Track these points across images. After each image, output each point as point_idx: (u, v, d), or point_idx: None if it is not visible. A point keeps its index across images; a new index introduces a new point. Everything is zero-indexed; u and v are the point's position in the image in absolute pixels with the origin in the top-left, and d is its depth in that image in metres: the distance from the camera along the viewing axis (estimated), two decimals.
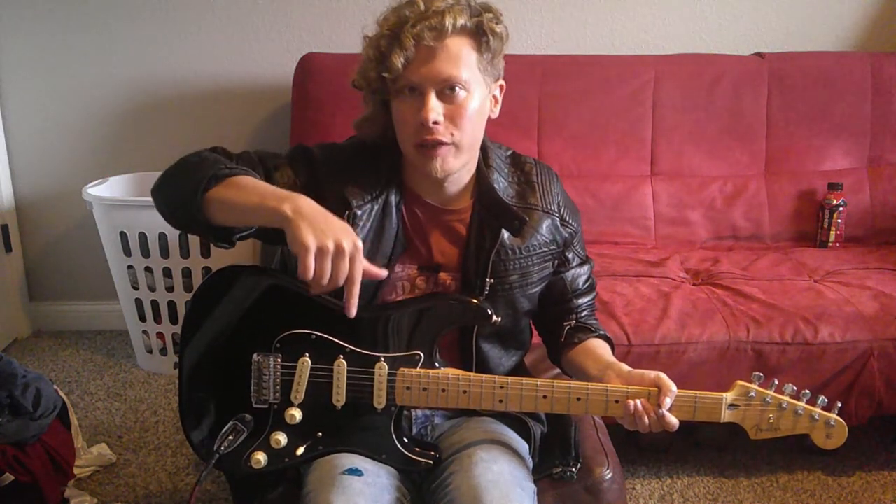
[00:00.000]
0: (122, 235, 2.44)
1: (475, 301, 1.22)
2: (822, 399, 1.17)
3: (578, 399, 1.16)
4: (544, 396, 1.17)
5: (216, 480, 1.99)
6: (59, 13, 2.68)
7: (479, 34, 1.16)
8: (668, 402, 1.13)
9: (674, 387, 1.14)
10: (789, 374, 1.89)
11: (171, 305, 2.53)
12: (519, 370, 1.37)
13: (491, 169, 1.27)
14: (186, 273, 2.49)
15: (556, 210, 1.30)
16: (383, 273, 1.13)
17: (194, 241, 2.43)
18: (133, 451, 2.17)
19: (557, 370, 1.42)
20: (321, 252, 1.00)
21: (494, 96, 1.24)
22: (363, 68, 1.19)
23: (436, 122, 1.14)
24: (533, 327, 1.40)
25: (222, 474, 1.76)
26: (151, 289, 2.52)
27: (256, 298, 1.19)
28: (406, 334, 1.19)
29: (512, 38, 1.23)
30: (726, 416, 1.16)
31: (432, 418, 1.32)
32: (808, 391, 1.16)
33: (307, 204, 1.04)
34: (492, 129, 1.27)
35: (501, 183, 1.28)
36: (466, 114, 1.16)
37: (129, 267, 2.51)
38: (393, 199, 1.24)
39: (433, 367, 1.18)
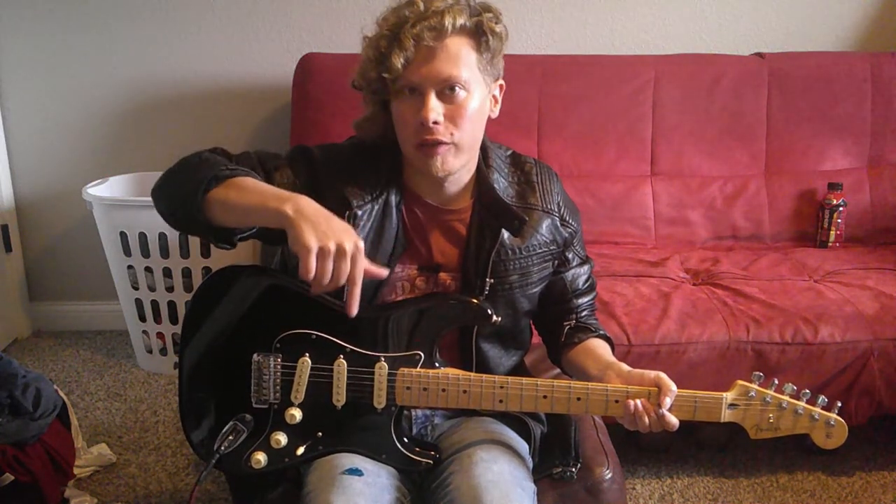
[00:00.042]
0: (122, 235, 2.44)
1: (475, 301, 1.22)
2: (822, 399, 1.17)
3: (578, 399, 1.16)
4: (544, 396, 1.17)
5: (216, 480, 1.99)
6: (59, 13, 2.68)
7: (479, 34, 1.16)
8: (668, 401, 1.13)
9: (674, 386, 1.14)
10: (789, 374, 1.89)
11: (171, 305, 2.53)
12: (519, 370, 1.37)
13: (491, 169, 1.27)
14: (186, 273, 2.49)
15: (556, 210, 1.30)
16: (384, 273, 1.13)
17: (194, 241, 2.44)
18: (133, 451, 2.17)
19: (557, 370, 1.42)
20: (323, 253, 1.00)
21: (494, 96, 1.24)
22: (363, 68, 1.19)
23: (436, 122, 1.15)
24: (533, 327, 1.40)
25: (222, 474, 1.75)
26: (151, 289, 2.52)
27: (256, 298, 1.19)
28: (406, 334, 1.19)
29: (512, 38, 1.24)
30: (726, 415, 1.16)
31: (432, 418, 1.32)
32: (808, 391, 1.17)
33: (308, 204, 1.04)
34: (492, 129, 1.27)
35: (501, 183, 1.28)
36: (466, 114, 1.16)
37: (129, 267, 2.51)
38: (393, 199, 1.24)
39: (433, 367, 1.18)
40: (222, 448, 1.16)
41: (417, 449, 1.21)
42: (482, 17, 1.16)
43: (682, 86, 2.54)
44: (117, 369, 2.66)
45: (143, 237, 2.43)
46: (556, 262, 1.32)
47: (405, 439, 1.21)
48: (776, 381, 1.17)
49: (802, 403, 1.16)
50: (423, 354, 1.18)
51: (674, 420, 1.13)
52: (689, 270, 2.28)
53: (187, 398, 1.21)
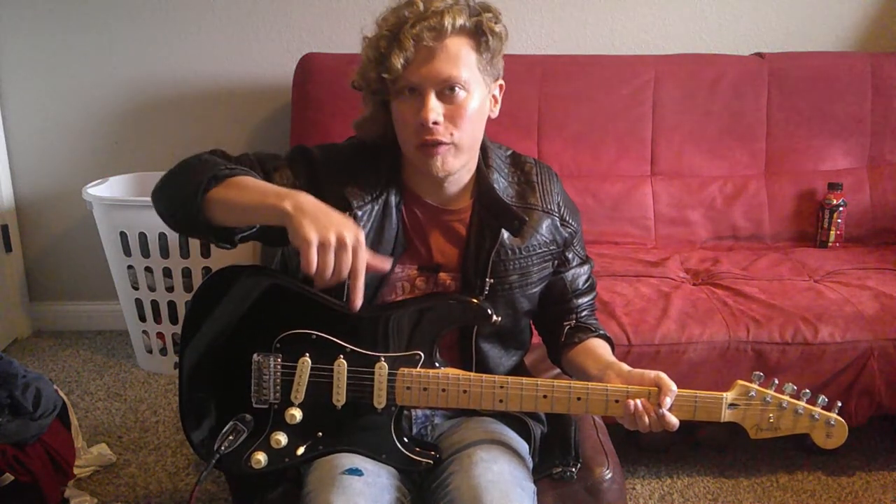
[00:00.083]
0: (122, 235, 2.44)
1: (475, 301, 1.22)
2: (822, 398, 1.17)
3: (578, 399, 1.16)
4: (544, 396, 1.17)
5: (216, 480, 1.99)
6: (59, 13, 2.68)
7: (479, 34, 1.16)
8: (668, 401, 1.13)
9: (674, 386, 1.14)
10: (789, 374, 1.89)
11: (171, 305, 2.53)
12: (519, 370, 1.37)
13: (491, 169, 1.27)
14: (186, 273, 2.49)
15: (556, 210, 1.30)
16: (387, 266, 1.13)
17: (194, 241, 2.43)
18: (133, 451, 2.17)
19: (557, 370, 1.42)
20: (323, 246, 1.00)
21: (494, 96, 1.24)
22: (363, 69, 1.19)
23: (436, 123, 1.15)
24: (533, 327, 1.40)
25: (222, 474, 1.76)
26: (151, 289, 2.52)
27: (256, 298, 1.19)
28: (406, 334, 1.19)
29: (512, 38, 1.24)
30: (726, 415, 1.16)
31: (432, 418, 1.32)
32: (808, 391, 1.17)
33: (307, 200, 1.04)
34: (492, 129, 1.27)
35: (501, 183, 1.28)
36: (466, 114, 1.16)
37: (129, 267, 2.51)
38: (393, 199, 1.24)
39: (433, 367, 1.18)
40: (222, 448, 1.16)
41: (417, 449, 1.21)
42: (482, 17, 1.16)
43: (682, 86, 2.54)
44: (117, 369, 2.66)
45: (143, 237, 2.43)
46: (556, 262, 1.32)
47: (405, 439, 1.21)
48: (776, 381, 1.17)
49: (802, 403, 1.16)
50: (423, 354, 1.18)
51: (674, 420, 1.13)
52: (689, 270, 2.28)
53: (187, 398, 1.21)
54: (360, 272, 1.04)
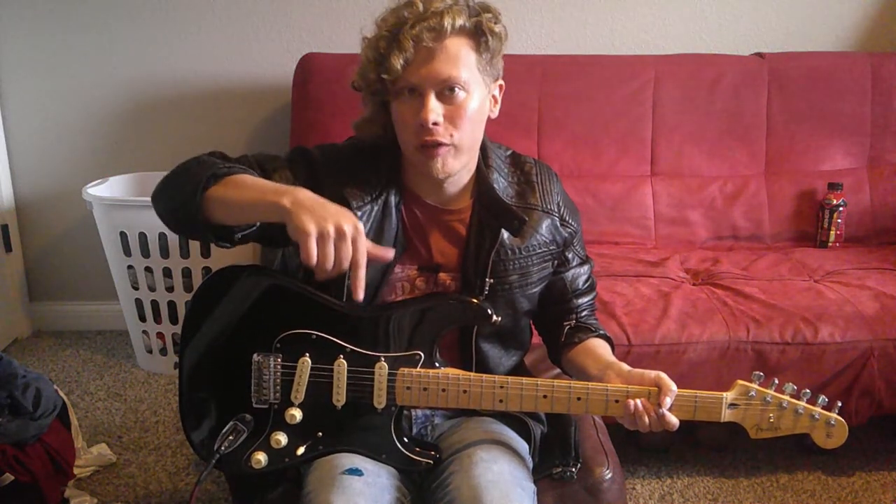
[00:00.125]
0: (122, 235, 2.44)
1: (475, 301, 1.22)
2: (822, 398, 1.17)
3: (578, 399, 1.16)
4: (544, 396, 1.17)
5: (216, 480, 1.99)
6: (59, 13, 2.68)
7: (478, 34, 1.16)
8: (668, 401, 1.13)
9: (674, 386, 1.14)
10: (789, 374, 1.89)
11: (171, 305, 2.53)
12: (519, 370, 1.37)
13: (490, 169, 1.27)
14: (186, 273, 2.49)
15: (556, 210, 1.30)
16: (389, 255, 1.13)
17: (194, 241, 2.43)
18: (133, 451, 2.17)
19: (557, 370, 1.42)
20: (322, 236, 1.00)
21: (494, 96, 1.24)
22: (362, 70, 1.19)
23: (435, 124, 1.14)
24: (533, 327, 1.40)
25: (222, 474, 1.76)
26: (151, 289, 2.52)
27: (256, 298, 1.19)
28: (406, 334, 1.19)
29: (512, 38, 1.24)
30: (726, 415, 1.16)
31: (432, 418, 1.32)
32: (808, 390, 1.17)
33: (305, 194, 1.04)
34: (492, 129, 1.27)
35: (501, 183, 1.28)
36: (466, 114, 1.16)
37: (129, 267, 2.51)
38: (392, 199, 1.24)
39: (433, 367, 1.18)
40: (222, 448, 1.16)
41: (417, 449, 1.21)
42: (481, 17, 1.16)
43: (682, 86, 2.54)
44: (117, 369, 2.66)
45: (143, 237, 2.43)
46: (556, 262, 1.32)
47: (405, 439, 1.21)
48: (776, 381, 1.17)
49: (803, 403, 1.16)
50: (423, 354, 1.18)
51: (674, 420, 1.13)
52: (689, 270, 2.28)
53: (187, 398, 1.21)
54: (360, 262, 1.03)
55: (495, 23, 1.17)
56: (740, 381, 1.17)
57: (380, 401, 1.18)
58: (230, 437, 1.17)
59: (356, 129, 1.28)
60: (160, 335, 2.61)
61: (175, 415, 2.34)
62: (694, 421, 1.17)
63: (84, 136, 2.79)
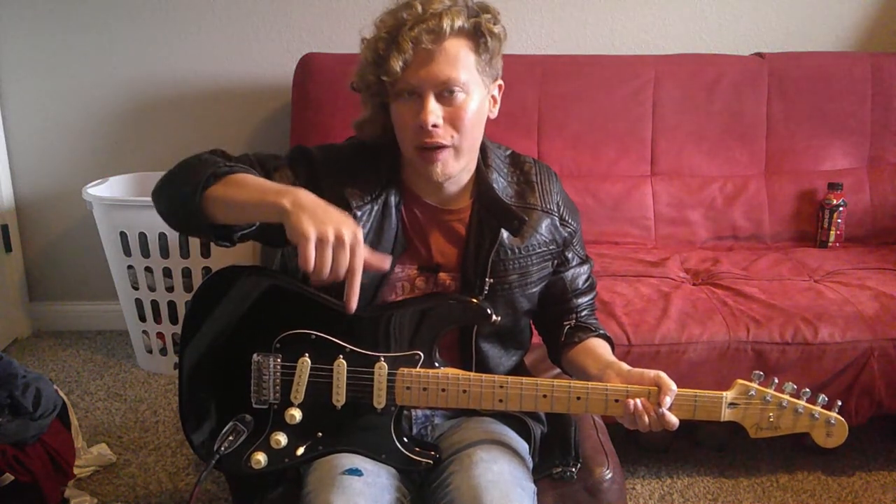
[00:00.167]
0: (122, 235, 2.44)
1: (475, 301, 1.22)
2: (822, 397, 1.17)
3: (578, 398, 1.16)
4: (544, 396, 1.17)
5: (216, 480, 1.99)
6: (59, 13, 2.68)
7: (477, 35, 1.16)
8: (668, 400, 1.13)
9: (674, 385, 1.14)
10: (789, 374, 1.89)
11: (171, 305, 2.53)
12: (519, 370, 1.37)
13: (490, 169, 1.27)
14: (186, 273, 2.49)
15: (556, 210, 1.30)
16: (386, 264, 1.13)
17: (194, 241, 2.44)
18: (133, 451, 2.17)
19: (557, 370, 1.42)
20: (321, 242, 1.00)
21: (493, 96, 1.24)
22: (361, 71, 1.19)
23: (435, 126, 1.14)
24: (533, 327, 1.40)
25: (222, 474, 1.76)
26: (151, 289, 2.52)
27: (256, 298, 1.19)
28: (406, 334, 1.19)
29: (512, 38, 1.23)
30: (726, 414, 1.16)
31: (432, 418, 1.32)
32: (808, 390, 1.16)
33: (306, 196, 1.04)
34: (492, 129, 1.27)
35: (501, 183, 1.28)
36: (466, 116, 1.16)
37: (129, 267, 2.51)
38: (392, 199, 1.24)
39: (433, 367, 1.18)
40: (222, 448, 1.16)
41: (417, 449, 1.21)
42: (480, 18, 1.16)
43: (682, 86, 2.54)
44: (117, 369, 2.66)
45: (143, 237, 2.43)
46: (556, 261, 1.32)
47: (405, 439, 1.21)
48: (776, 380, 1.17)
49: (802, 402, 1.16)
50: (422, 354, 1.18)
51: (674, 419, 1.13)
52: (689, 270, 2.28)
53: (187, 398, 1.21)
54: (356, 271, 1.03)
55: (494, 23, 1.17)
56: (740, 381, 1.17)
57: (379, 401, 1.18)
58: (230, 438, 1.17)
59: (356, 129, 1.28)
60: (160, 335, 2.61)
61: (175, 415, 2.34)
62: (694, 420, 1.17)
63: (84, 136, 2.79)
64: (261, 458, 1.18)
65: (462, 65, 1.15)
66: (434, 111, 1.14)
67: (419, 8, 1.13)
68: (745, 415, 1.17)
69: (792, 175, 2.56)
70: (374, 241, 1.21)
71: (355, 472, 1.14)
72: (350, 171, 1.23)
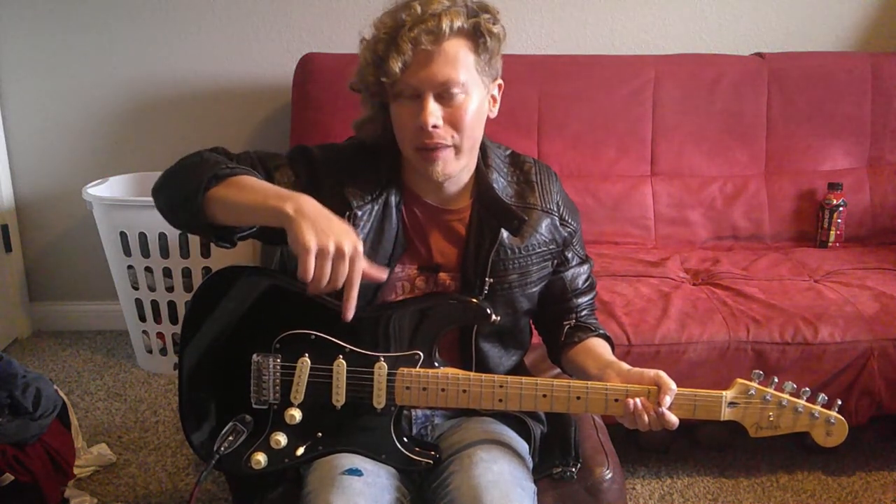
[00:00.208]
0: (122, 235, 2.44)
1: (475, 300, 1.22)
2: (822, 397, 1.17)
3: (578, 398, 1.16)
4: (544, 395, 1.17)
5: (216, 480, 1.99)
6: (59, 13, 2.68)
7: (477, 35, 1.16)
8: (667, 400, 1.13)
9: (673, 385, 1.14)
10: (789, 374, 1.89)
11: (171, 305, 2.53)
12: (519, 370, 1.37)
13: (490, 168, 1.27)
14: (186, 273, 2.49)
15: (556, 209, 1.30)
16: (383, 276, 1.13)
17: (194, 241, 2.44)
18: (133, 451, 2.17)
19: (557, 370, 1.42)
20: (321, 253, 1.00)
21: (493, 96, 1.24)
22: (361, 72, 1.19)
23: (435, 126, 1.14)
24: (533, 327, 1.40)
25: (222, 474, 1.76)
26: (151, 289, 2.52)
27: (256, 298, 1.19)
28: (406, 334, 1.19)
29: (512, 38, 1.23)
30: (726, 414, 1.16)
31: (432, 418, 1.32)
32: (807, 389, 1.16)
33: (309, 204, 1.04)
34: (492, 129, 1.27)
35: (500, 182, 1.28)
36: (466, 116, 1.16)
37: (129, 267, 2.51)
38: (393, 199, 1.24)
39: (433, 367, 1.18)
40: (222, 448, 1.16)
41: (417, 449, 1.21)
42: (479, 18, 1.15)
43: (682, 86, 2.54)
44: (117, 369, 2.66)
45: (143, 237, 2.43)
46: (556, 261, 1.32)
47: (405, 439, 1.21)
48: (776, 380, 1.17)
49: (802, 401, 1.16)
50: (422, 354, 1.18)
51: (673, 419, 1.13)
52: (689, 270, 2.28)
53: (187, 398, 1.21)
54: (354, 283, 1.03)
55: (493, 23, 1.17)
56: (740, 380, 1.17)
57: (379, 401, 1.18)
58: (230, 438, 1.17)
59: (356, 128, 1.28)
60: (160, 335, 2.61)
61: (175, 415, 2.34)
62: (694, 420, 1.17)
63: (84, 136, 2.79)
64: (261, 458, 1.18)
65: (461, 65, 1.14)
66: (434, 112, 1.14)
67: (418, 9, 1.13)
68: (744, 414, 1.17)
69: (792, 175, 2.56)
70: (375, 241, 1.22)
71: (355, 472, 1.14)
72: (350, 171, 1.23)
